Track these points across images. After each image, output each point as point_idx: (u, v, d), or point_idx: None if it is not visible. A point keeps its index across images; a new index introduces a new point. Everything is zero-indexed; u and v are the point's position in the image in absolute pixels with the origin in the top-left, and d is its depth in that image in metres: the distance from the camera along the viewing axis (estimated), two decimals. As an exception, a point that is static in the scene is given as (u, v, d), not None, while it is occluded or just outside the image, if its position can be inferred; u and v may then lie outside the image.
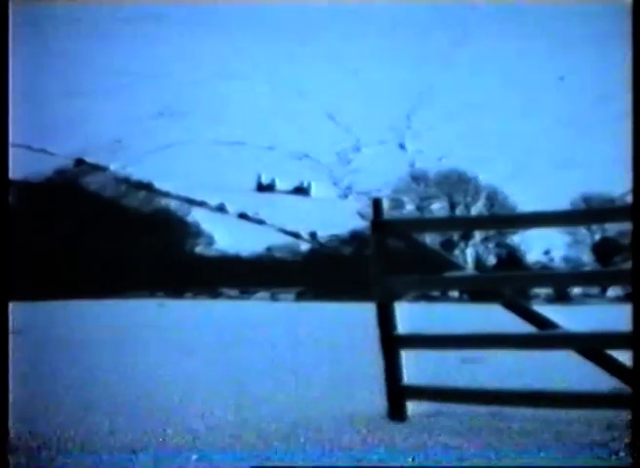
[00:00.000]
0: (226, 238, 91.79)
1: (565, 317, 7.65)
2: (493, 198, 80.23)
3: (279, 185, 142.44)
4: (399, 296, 7.71)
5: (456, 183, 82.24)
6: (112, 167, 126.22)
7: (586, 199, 73.05)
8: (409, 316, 7.82)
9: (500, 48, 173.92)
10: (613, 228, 67.38)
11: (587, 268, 48.12)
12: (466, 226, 18.74)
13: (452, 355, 9.46)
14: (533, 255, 77.38)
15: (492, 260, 75.42)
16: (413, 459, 5.94)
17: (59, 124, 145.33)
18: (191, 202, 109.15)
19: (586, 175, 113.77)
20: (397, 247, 7.97)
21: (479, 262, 72.68)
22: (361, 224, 64.19)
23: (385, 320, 7.47)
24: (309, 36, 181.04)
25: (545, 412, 7.08)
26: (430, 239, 46.56)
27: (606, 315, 11.83)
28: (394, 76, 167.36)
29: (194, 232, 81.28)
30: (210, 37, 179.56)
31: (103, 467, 5.94)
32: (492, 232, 67.21)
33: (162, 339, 16.66)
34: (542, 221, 7.77)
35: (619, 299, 49.80)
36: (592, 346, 7.01)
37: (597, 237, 75.08)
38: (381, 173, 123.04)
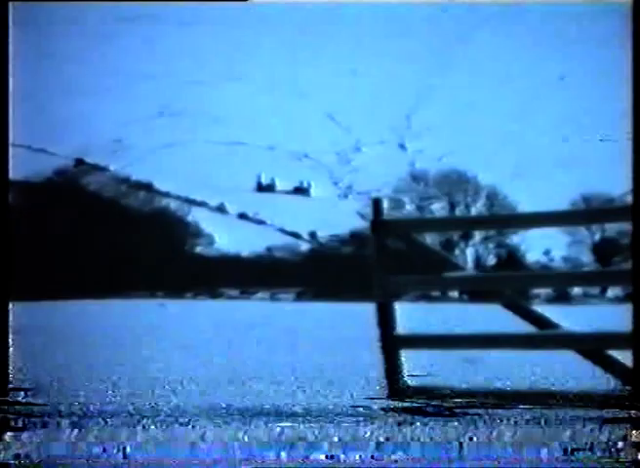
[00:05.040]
0: (226, 238, 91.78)
1: (565, 317, 7.65)
2: (493, 198, 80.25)
3: (279, 185, 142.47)
4: (399, 296, 7.71)
5: (456, 183, 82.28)
6: (112, 167, 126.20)
7: (586, 199, 73.10)
8: (409, 316, 7.82)
9: (499, 48, 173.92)
10: (613, 228, 67.38)
11: (587, 268, 48.16)
12: (466, 226, 18.73)
13: (452, 355, 9.46)
14: (533, 255, 77.40)
15: (492, 260, 75.43)
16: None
17: (59, 124, 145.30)
18: (191, 202, 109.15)
19: (586, 174, 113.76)
20: (397, 247, 7.97)
21: (479, 262, 72.69)
22: (361, 224, 64.15)
23: (385, 320, 7.47)
24: (309, 36, 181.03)
25: (545, 412, 7.08)
26: (430, 239, 46.56)
27: (606, 315, 11.83)
28: (394, 76, 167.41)
29: (194, 232, 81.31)
30: (210, 37, 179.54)
31: (103, 466, 5.94)
32: (492, 232, 67.21)
33: (162, 339, 16.67)
34: (542, 221, 7.77)
35: (619, 299, 49.83)
36: (592, 346, 7.01)
37: (597, 237, 75.10)
38: (381, 173, 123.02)
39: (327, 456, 6.14)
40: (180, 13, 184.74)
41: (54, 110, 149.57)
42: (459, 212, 76.06)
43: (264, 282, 67.29)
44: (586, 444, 6.24)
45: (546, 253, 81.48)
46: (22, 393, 8.31)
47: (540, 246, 77.03)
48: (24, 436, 6.65)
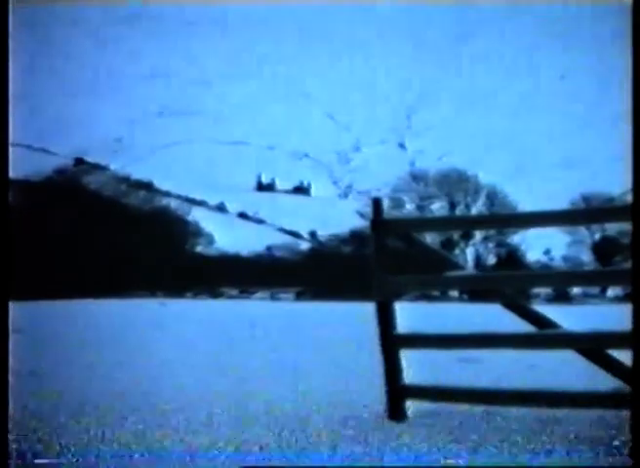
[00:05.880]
0: (226, 237, 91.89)
1: (565, 317, 7.65)
2: (493, 197, 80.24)
3: (279, 185, 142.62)
4: (399, 296, 7.70)
5: (456, 182, 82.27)
6: (112, 166, 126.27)
7: (586, 198, 73.15)
8: (409, 316, 7.82)
9: (500, 47, 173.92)
10: (613, 228, 67.38)
11: (587, 268, 48.11)
12: (466, 226, 18.73)
13: (452, 355, 9.46)
14: (533, 255, 77.45)
15: (492, 260, 75.46)
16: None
17: (59, 123, 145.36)
18: (191, 201, 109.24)
19: (586, 174, 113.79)
20: (397, 246, 7.97)
21: (479, 262, 72.71)
22: (361, 224, 64.20)
23: (385, 319, 7.47)
24: (310, 36, 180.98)
25: (545, 412, 7.08)
26: (430, 238, 46.58)
27: (606, 315, 11.83)
28: (394, 76, 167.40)
29: (194, 231, 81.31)
30: (210, 37, 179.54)
31: (102, 466, 5.94)
32: (492, 232, 67.23)
33: (162, 338, 16.68)
34: (542, 221, 7.76)
35: (619, 299, 49.85)
36: (592, 346, 7.01)
37: (597, 236, 75.12)
38: (381, 172, 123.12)
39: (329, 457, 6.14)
40: (179, 13, 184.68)
41: (54, 110, 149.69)
42: (459, 211, 76.04)
43: (264, 281, 67.31)
44: (586, 444, 6.24)
45: (546, 252, 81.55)
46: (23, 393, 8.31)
47: (540, 245, 77.13)
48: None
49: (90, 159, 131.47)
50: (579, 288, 51.48)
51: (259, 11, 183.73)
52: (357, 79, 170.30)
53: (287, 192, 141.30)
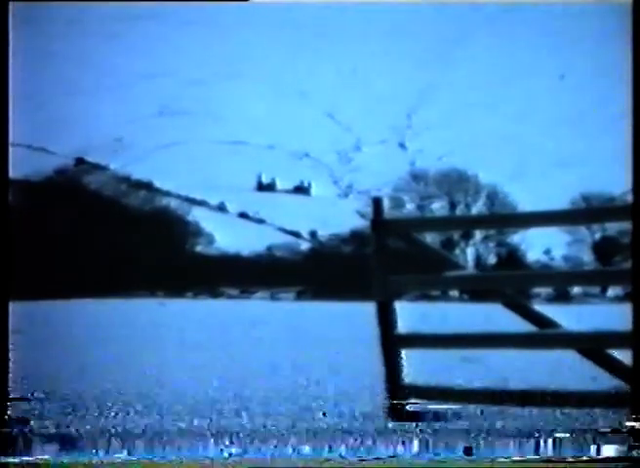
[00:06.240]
0: (227, 237, 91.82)
1: (565, 317, 7.65)
2: (493, 197, 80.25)
3: (279, 185, 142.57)
4: (399, 296, 7.70)
5: (456, 182, 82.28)
6: (112, 166, 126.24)
7: (586, 198, 73.16)
8: (409, 315, 7.81)
9: (500, 47, 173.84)
10: (613, 227, 67.37)
11: (587, 267, 48.09)
12: (467, 225, 18.73)
13: (452, 355, 9.46)
14: (533, 255, 77.46)
15: (492, 260, 75.45)
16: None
17: (59, 123, 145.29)
18: (191, 201, 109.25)
19: (586, 173, 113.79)
20: (397, 246, 7.96)
21: (479, 262, 72.70)
22: (361, 223, 64.18)
23: (385, 319, 7.46)
24: (309, 36, 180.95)
25: (545, 412, 7.07)
26: (430, 238, 46.53)
27: (606, 315, 11.83)
28: (394, 76, 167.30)
29: (194, 231, 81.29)
30: (210, 37, 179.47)
31: (103, 466, 5.94)
32: (492, 231, 67.20)
33: (163, 338, 16.69)
34: (543, 220, 7.77)
35: (619, 299, 49.84)
36: (592, 346, 7.00)
37: (597, 236, 75.11)
38: (382, 172, 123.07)
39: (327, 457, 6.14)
40: (180, 13, 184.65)
41: (54, 109, 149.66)
42: (459, 211, 76.03)
43: (265, 281, 67.34)
44: (585, 443, 6.23)
45: (547, 252, 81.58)
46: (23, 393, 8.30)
47: (540, 245, 77.12)
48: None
49: (90, 159, 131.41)
50: (579, 287, 51.54)
51: (259, 10, 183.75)
52: (357, 79, 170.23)
53: (287, 192, 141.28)
